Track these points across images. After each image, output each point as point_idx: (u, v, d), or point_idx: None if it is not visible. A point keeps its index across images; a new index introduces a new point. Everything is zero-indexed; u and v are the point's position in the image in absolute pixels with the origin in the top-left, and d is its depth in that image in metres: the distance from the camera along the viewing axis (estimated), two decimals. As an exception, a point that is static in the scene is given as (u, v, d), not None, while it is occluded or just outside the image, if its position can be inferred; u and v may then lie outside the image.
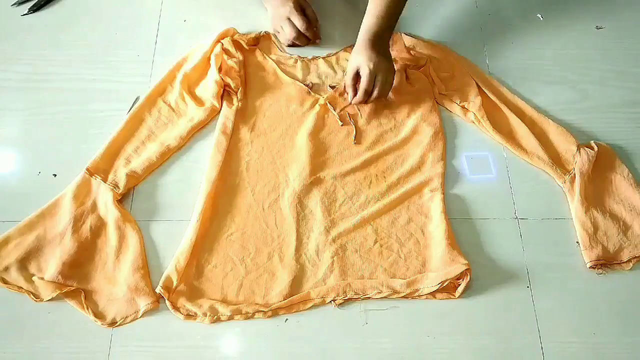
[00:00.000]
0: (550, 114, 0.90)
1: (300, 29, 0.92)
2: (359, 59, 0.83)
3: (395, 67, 0.91)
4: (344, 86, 0.87)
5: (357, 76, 0.85)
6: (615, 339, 0.72)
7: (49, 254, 0.74)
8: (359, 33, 0.86)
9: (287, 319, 0.73)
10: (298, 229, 0.78)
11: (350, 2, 1.02)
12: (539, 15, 1.03)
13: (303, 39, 0.94)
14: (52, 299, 0.72)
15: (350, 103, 0.86)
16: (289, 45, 0.95)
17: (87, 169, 0.79)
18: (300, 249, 0.76)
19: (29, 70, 0.93)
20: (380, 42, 0.85)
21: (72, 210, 0.76)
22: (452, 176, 0.84)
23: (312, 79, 0.92)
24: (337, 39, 0.97)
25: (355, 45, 0.86)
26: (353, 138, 0.85)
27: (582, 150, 0.84)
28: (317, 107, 0.88)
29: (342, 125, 0.86)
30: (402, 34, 0.97)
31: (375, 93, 0.84)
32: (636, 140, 0.88)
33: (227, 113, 0.87)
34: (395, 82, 0.90)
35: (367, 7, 0.86)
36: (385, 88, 0.85)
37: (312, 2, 0.96)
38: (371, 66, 0.82)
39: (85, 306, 0.71)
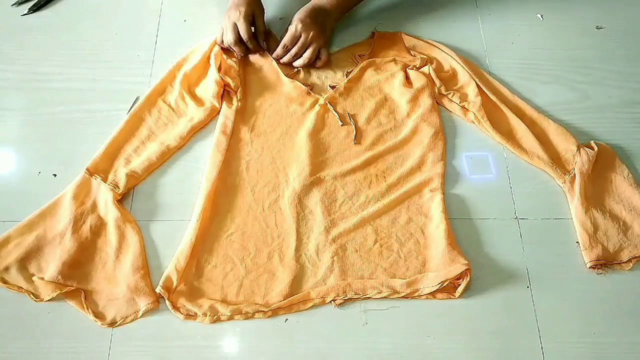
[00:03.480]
0: (550, 114, 0.90)
1: (243, 37, 0.88)
2: (295, 17, 0.89)
3: (396, 67, 0.91)
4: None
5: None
6: (615, 339, 0.72)
7: (49, 254, 0.74)
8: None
9: (287, 319, 0.73)
10: (298, 229, 0.78)
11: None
12: (539, 15, 1.03)
13: (242, 48, 0.90)
14: (52, 299, 0.72)
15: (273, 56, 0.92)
16: (225, 47, 0.91)
17: (87, 169, 0.79)
18: (300, 249, 0.76)
19: (29, 70, 0.93)
20: (322, 15, 0.90)
21: (72, 210, 0.76)
22: (452, 176, 0.84)
23: (312, 79, 0.92)
24: (336, 39, 0.97)
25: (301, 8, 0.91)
26: (353, 138, 0.85)
27: (582, 150, 0.84)
28: (317, 107, 0.88)
29: (342, 125, 0.86)
30: (402, 34, 0.97)
31: (294, 51, 0.89)
32: (636, 140, 0.88)
33: (227, 113, 0.87)
34: (395, 82, 0.90)
35: None
36: (306, 53, 0.89)
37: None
38: (299, 27, 0.88)
39: (85, 306, 0.71)
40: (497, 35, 1.00)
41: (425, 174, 0.82)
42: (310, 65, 0.92)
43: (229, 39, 0.88)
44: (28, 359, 0.69)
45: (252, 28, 0.90)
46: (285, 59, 0.91)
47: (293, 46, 0.90)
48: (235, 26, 0.88)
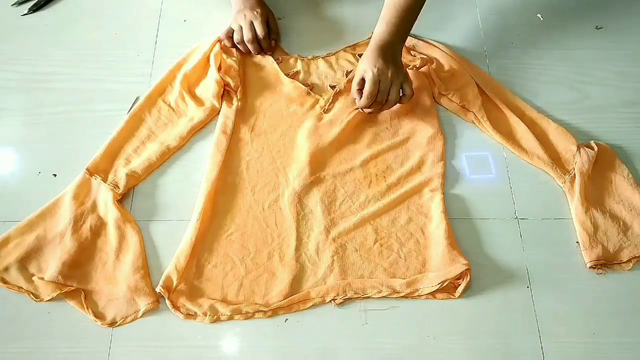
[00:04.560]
0: (550, 114, 0.90)
1: (258, 35, 0.91)
2: (365, 64, 0.83)
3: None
4: (352, 92, 0.86)
5: (363, 82, 0.84)
6: (615, 339, 0.73)
7: (49, 254, 0.74)
8: (371, 39, 0.85)
9: (287, 319, 0.73)
10: (298, 229, 0.78)
11: (350, 2, 1.02)
12: (539, 15, 1.03)
13: (257, 46, 0.92)
14: (52, 299, 0.72)
15: (358, 107, 0.85)
16: (234, 45, 0.92)
17: (87, 169, 0.79)
18: (300, 248, 0.76)
19: (29, 70, 0.93)
20: (391, 50, 0.83)
21: (72, 210, 0.76)
22: (452, 176, 0.84)
23: (312, 79, 0.92)
24: (336, 39, 0.97)
25: (365, 51, 0.85)
26: (321, 108, 0.87)
27: (582, 150, 0.84)
28: (317, 108, 0.88)
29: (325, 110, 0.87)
30: (402, 34, 0.97)
31: (378, 98, 0.82)
32: (636, 140, 0.88)
33: (227, 113, 0.87)
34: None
35: (381, 13, 0.85)
36: (391, 95, 0.82)
37: (306, 3, 0.94)
38: (375, 71, 0.81)
39: (85, 306, 0.71)
40: (497, 35, 1.00)
41: (425, 174, 0.82)
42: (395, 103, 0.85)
43: (247, 36, 0.90)
44: (28, 359, 0.69)
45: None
46: (373, 109, 0.84)
47: (375, 90, 0.82)
48: (252, 25, 0.90)
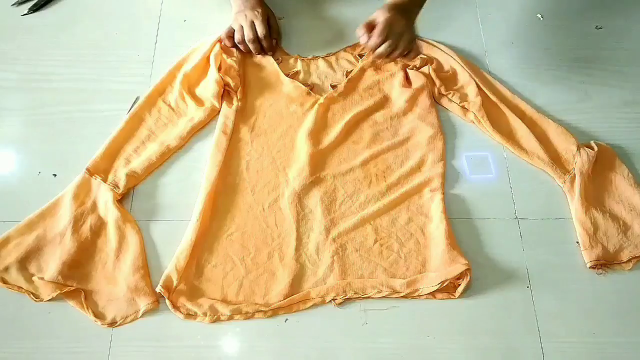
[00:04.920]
0: (550, 114, 0.90)
1: (259, 35, 0.91)
2: (379, 12, 0.84)
3: (396, 67, 0.91)
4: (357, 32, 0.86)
5: (370, 26, 0.84)
6: (615, 339, 0.73)
7: (49, 254, 0.74)
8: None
9: (287, 319, 0.73)
10: (298, 229, 0.78)
11: (350, 2, 1.02)
12: (539, 15, 1.03)
13: (257, 46, 0.92)
14: (52, 299, 0.72)
15: (365, 49, 0.86)
16: (234, 45, 0.92)
17: (87, 169, 0.79)
18: (300, 248, 0.76)
19: (29, 70, 0.93)
20: (405, 10, 0.85)
21: (72, 210, 0.76)
22: (452, 176, 0.84)
23: (312, 79, 0.92)
24: (336, 39, 0.97)
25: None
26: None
27: (582, 150, 0.84)
28: (316, 107, 0.88)
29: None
30: (402, 34, 0.97)
31: (389, 38, 0.82)
32: (636, 140, 0.88)
33: (227, 113, 0.87)
34: (394, 82, 0.90)
35: None
36: (402, 43, 0.84)
37: (306, 3, 0.94)
38: (388, 16, 0.82)
39: (85, 306, 0.71)
40: (497, 35, 1.00)
41: (425, 174, 0.82)
42: (400, 57, 0.87)
43: (248, 36, 0.90)
44: (28, 359, 0.69)
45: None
46: (382, 49, 0.83)
47: (384, 33, 0.83)
48: (253, 24, 0.90)
